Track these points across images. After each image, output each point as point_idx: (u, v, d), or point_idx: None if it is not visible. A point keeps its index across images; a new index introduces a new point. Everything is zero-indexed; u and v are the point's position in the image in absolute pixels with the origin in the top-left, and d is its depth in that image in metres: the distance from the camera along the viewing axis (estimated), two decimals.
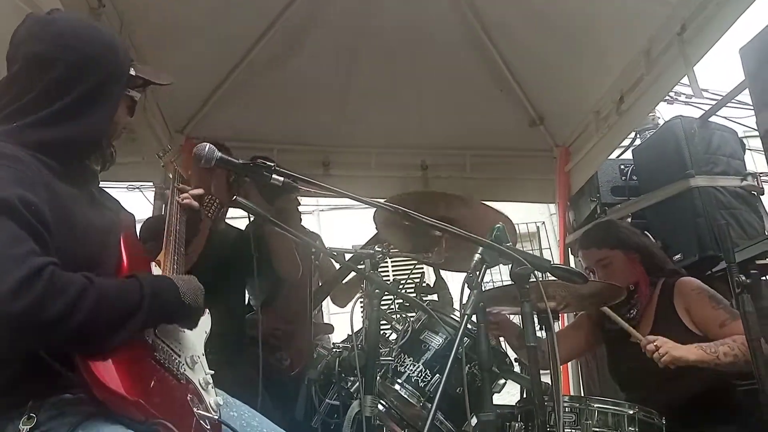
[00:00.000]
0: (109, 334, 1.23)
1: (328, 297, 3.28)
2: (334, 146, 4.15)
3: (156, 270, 1.53)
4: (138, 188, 6.16)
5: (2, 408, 1.26)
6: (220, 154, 1.59)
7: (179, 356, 1.43)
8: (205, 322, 1.62)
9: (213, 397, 1.46)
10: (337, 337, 3.09)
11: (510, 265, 1.68)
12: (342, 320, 3.44)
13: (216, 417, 1.43)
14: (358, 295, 3.49)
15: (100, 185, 1.57)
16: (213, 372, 1.53)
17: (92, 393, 1.23)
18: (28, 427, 1.22)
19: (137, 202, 5.81)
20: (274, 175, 1.60)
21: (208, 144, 1.59)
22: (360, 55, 3.67)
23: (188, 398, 1.37)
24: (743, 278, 1.70)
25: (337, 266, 3.22)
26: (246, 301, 3.01)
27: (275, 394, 2.51)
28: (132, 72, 1.55)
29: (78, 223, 1.36)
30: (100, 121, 1.48)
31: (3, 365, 1.27)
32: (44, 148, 1.37)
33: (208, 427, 1.38)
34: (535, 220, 8.34)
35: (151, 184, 4.08)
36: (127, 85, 1.55)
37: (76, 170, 1.46)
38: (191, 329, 1.49)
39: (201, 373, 1.48)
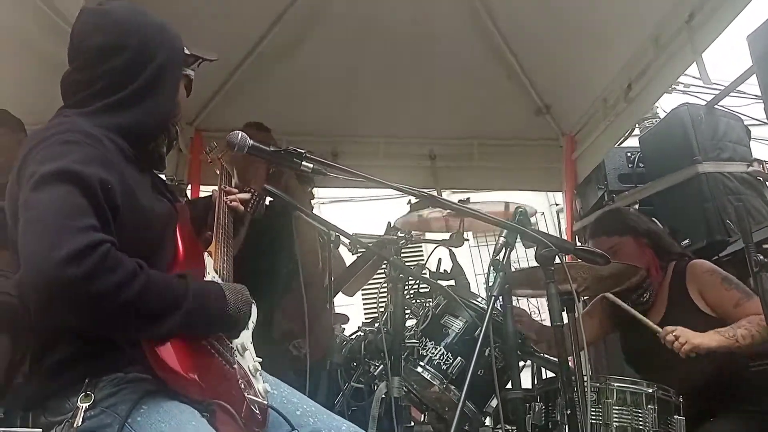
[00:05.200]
0: (148, 323, 1.24)
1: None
2: (342, 136, 4.17)
3: (209, 260, 1.56)
4: None
5: (59, 386, 1.29)
6: (252, 141, 1.61)
7: (231, 343, 1.46)
8: (252, 312, 1.64)
9: (261, 383, 1.50)
10: (351, 327, 3.13)
11: (535, 248, 1.72)
12: (348, 310, 3.47)
13: (265, 402, 1.47)
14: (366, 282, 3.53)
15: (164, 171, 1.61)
16: (261, 360, 1.57)
17: (152, 370, 1.26)
18: (86, 404, 1.24)
19: None
20: (304, 162, 1.63)
21: (241, 132, 1.61)
22: (367, 45, 3.69)
23: (239, 383, 1.41)
24: (761, 257, 1.73)
25: (347, 262, 3.23)
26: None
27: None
28: (186, 51, 1.58)
29: (142, 209, 1.38)
30: (167, 102, 1.52)
31: (61, 342, 1.30)
32: (118, 131, 1.41)
33: (257, 411, 1.42)
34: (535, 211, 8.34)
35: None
36: (183, 64, 1.57)
37: (145, 155, 1.49)
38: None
39: (250, 361, 1.52)
